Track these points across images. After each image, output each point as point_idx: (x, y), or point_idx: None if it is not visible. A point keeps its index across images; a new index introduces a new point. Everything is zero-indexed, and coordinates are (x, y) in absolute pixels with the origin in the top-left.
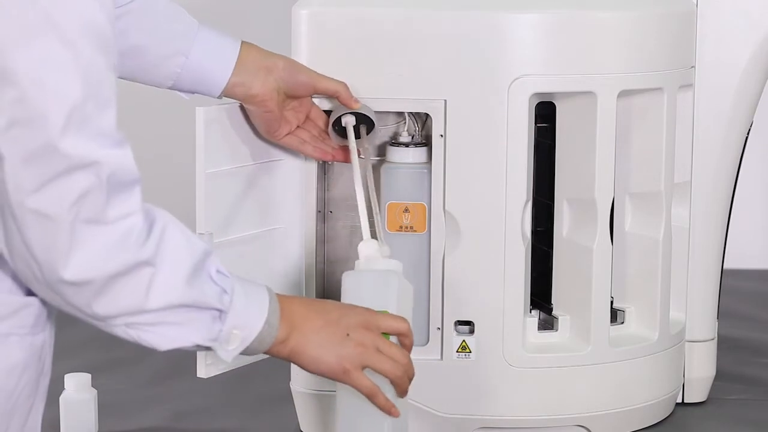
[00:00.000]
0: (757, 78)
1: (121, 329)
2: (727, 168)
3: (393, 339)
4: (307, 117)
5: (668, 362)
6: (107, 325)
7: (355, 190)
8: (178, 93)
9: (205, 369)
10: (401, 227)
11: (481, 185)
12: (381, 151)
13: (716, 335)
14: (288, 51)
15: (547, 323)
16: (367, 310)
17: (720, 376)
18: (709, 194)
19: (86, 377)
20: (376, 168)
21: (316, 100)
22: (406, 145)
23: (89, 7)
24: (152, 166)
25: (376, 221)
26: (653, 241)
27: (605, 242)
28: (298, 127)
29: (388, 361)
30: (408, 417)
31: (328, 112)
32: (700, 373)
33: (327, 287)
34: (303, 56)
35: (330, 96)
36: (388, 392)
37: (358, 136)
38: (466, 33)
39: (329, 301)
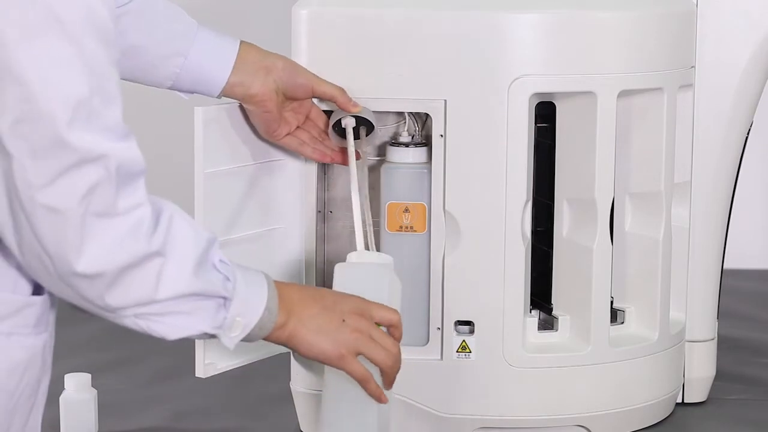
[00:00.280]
0: (757, 78)
1: (130, 320)
2: (727, 168)
3: (383, 330)
4: (307, 117)
5: (668, 362)
6: (117, 317)
7: (350, 189)
8: (178, 93)
9: (203, 369)
10: (401, 227)
11: (481, 185)
12: (381, 151)
13: (716, 335)
14: (288, 51)
15: (547, 323)
16: (361, 298)
17: (720, 376)
18: (709, 194)
19: (86, 377)
20: (376, 168)
21: (315, 101)
22: (406, 145)
23: (92, 3)
24: (152, 165)
25: (367, 230)
26: (653, 241)
27: (605, 242)
28: (297, 127)
29: (382, 349)
30: (392, 409)
31: (328, 113)
32: (700, 373)
33: (327, 287)
34: (303, 56)
35: (327, 100)
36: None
37: (357, 137)
38: (466, 33)
39: (323, 288)
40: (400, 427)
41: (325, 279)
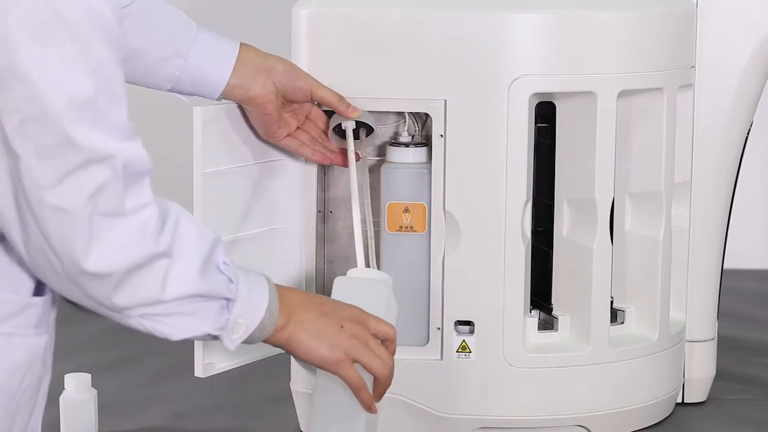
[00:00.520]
0: (757, 78)
1: (135, 320)
2: (727, 168)
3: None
4: (307, 118)
5: (668, 362)
6: (123, 317)
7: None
8: (177, 95)
9: (202, 369)
10: (401, 227)
11: (481, 185)
12: (381, 151)
13: (716, 335)
14: (288, 51)
15: (547, 323)
16: (359, 308)
17: (720, 376)
18: (709, 194)
19: (86, 377)
20: (376, 168)
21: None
22: (406, 145)
23: (97, 4)
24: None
25: (367, 233)
26: (653, 241)
27: (605, 242)
28: (297, 128)
29: (378, 359)
30: (378, 420)
31: (329, 113)
32: (700, 373)
33: (327, 287)
34: (303, 56)
35: (325, 105)
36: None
37: (357, 137)
38: (466, 33)
39: (322, 295)
40: (400, 427)
41: (325, 279)
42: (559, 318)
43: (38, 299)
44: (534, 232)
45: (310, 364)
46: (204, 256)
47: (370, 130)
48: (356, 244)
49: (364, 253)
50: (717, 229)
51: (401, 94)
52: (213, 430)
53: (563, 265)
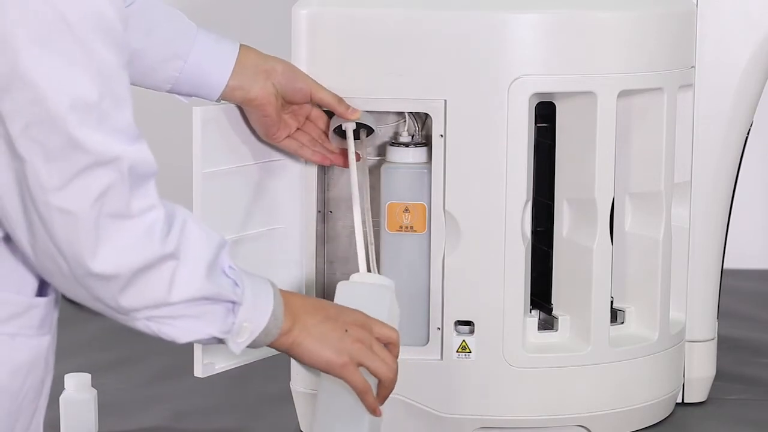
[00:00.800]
0: (757, 78)
1: (141, 323)
2: (727, 168)
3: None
4: (307, 119)
5: (668, 362)
6: (129, 319)
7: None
8: (177, 97)
9: (202, 369)
10: (401, 227)
11: (481, 185)
12: (381, 150)
13: (716, 335)
14: (288, 51)
15: (547, 323)
16: (362, 312)
17: (720, 376)
18: (709, 194)
19: (86, 377)
20: (376, 168)
21: None
22: (406, 145)
23: (101, 7)
24: None
25: (367, 233)
26: (653, 241)
27: (605, 242)
28: (297, 129)
29: (382, 362)
30: (382, 423)
31: (329, 113)
32: (700, 373)
33: (327, 287)
34: (303, 56)
35: (325, 107)
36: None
37: (357, 138)
38: (466, 33)
39: (324, 299)
40: (400, 427)
41: (325, 279)
42: (559, 318)
43: (41, 300)
44: (534, 232)
45: (315, 368)
46: (210, 259)
47: (370, 130)
48: (358, 247)
49: (366, 256)
50: (717, 229)
51: (401, 94)
52: (213, 430)
53: (563, 265)
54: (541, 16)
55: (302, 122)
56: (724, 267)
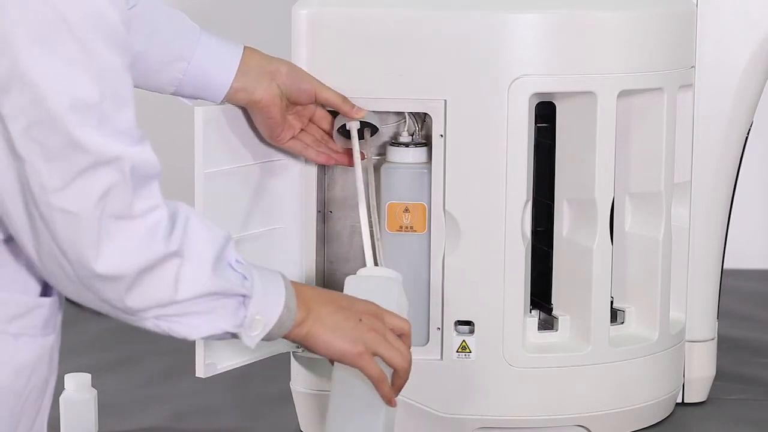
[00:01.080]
0: (757, 78)
1: (151, 322)
2: (727, 168)
3: None
4: (311, 120)
5: (668, 362)
6: (138, 319)
7: (357, 201)
8: (180, 99)
9: (203, 369)
10: (401, 227)
11: (481, 185)
12: (381, 150)
13: (716, 335)
14: (288, 50)
15: (547, 323)
16: (373, 302)
17: (720, 376)
18: (709, 194)
19: (86, 377)
20: (376, 168)
21: None
22: (406, 145)
23: (102, 8)
24: None
25: (374, 235)
26: (653, 241)
27: (605, 242)
28: (301, 130)
29: (397, 351)
30: (396, 415)
31: (333, 113)
32: (700, 373)
33: (327, 287)
34: (303, 56)
35: (330, 107)
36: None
37: (362, 137)
38: (466, 33)
39: (334, 291)
40: (400, 427)
41: (325, 279)
42: (559, 318)
43: (45, 300)
44: (534, 232)
45: (330, 358)
46: (215, 254)
47: (374, 129)
48: (365, 243)
49: (373, 251)
50: (717, 229)
51: (401, 94)
52: (213, 430)
53: (563, 265)
54: (541, 16)
55: (306, 123)
56: (724, 267)
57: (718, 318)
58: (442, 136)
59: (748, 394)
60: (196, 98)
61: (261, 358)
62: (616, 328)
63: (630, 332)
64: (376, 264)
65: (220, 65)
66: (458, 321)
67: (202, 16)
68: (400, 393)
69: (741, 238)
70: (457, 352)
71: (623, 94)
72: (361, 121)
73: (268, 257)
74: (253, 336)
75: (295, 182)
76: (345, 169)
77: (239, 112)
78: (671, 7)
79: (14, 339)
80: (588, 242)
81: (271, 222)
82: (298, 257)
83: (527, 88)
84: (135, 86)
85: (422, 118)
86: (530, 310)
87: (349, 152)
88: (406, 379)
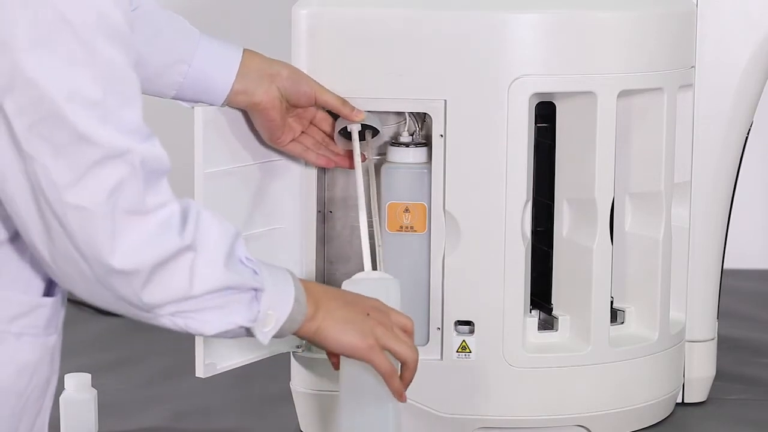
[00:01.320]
0: (757, 78)
1: (167, 319)
2: (727, 168)
3: None
4: (311, 122)
5: (668, 362)
6: (154, 316)
7: (357, 203)
8: (180, 102)
9: (203, 369)
10: (401, 227)
11: (481, 185)
12: (381, 150)
13: (716, 335)
14: (288, 51)
15: (547, 323)
16: (377, 299)
17: (720, 376)
18: (709, 194)
19: (86, 377)
20: (376, 167)
21: None
22: (407, 145)
23: (105, 7)
24: None
25: (376, 234)
26: (653, 241)
27: (605, 242)
28: (302, 132)
29: (405, 345)
30: (402, 409)
31: (334, 115)
32: (700, 373)
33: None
34: (303, 56)
35: (329, 110)
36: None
37: (363, 138)
38: (466, 33)
39: (338, 288)
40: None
41: (325, 279)
42: (559, 318)
43: (48, 299)
44: (534, 232)
45: (340, 353)
46: (227, 249)
47: (375, 131)
48: (363, 246)
49: (372, 255)
50: (717, 229)
51: (401, 94)
52: (213, 430)
53: (563, 265)
54: (541, 16)
55: (306, 126)
56: (724, 267)
57: (718, 318)
58: (442, 136)
59: (748, 394)
60: (196, 102)
61: (261, 358)
62: (616, 328)
63: (630, 332)
64: (374, 268)
65: (220, 68)
66: (458, 321)
67: (202, 17)
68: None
69: (741, 238)
70: (457, 352)
71: (623, 94)
72: (362, 123)
73: (269, 257)
74: (266, 332)
75: (295, 182)
76: (345, 170)
77: (239, 113)
78: (671, 7)
79: (16, 339)
80: (588, 242)
81: (271, 222)
82: (298, 257)
83: (527, 88)
84: None
85: (422, 118)
86: (530, 310)
87: (349, 154)
88: (415, 372)
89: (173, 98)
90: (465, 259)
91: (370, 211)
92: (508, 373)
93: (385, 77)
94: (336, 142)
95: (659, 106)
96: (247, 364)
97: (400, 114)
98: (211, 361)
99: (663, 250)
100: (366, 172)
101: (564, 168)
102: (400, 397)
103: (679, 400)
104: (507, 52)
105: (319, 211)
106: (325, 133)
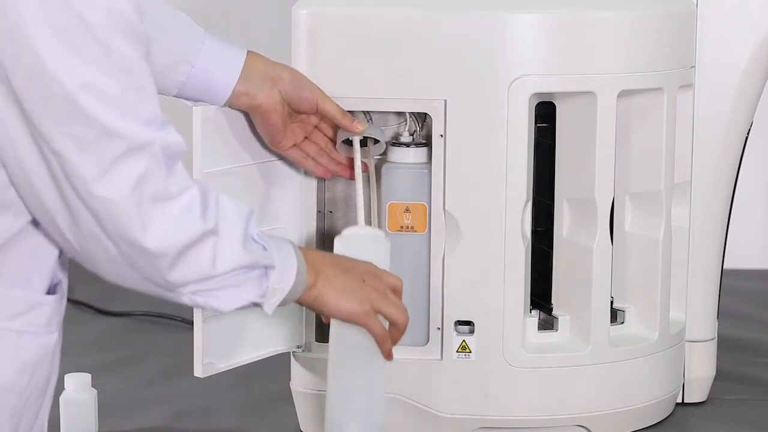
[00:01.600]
0: (757, 78)
1: (188, 297)
2: (727, 168)
3: None
4: (316, 127)
5: (668, 362)
6: (176, 295)
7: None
8: (182, 101)
9: (202, 368)
10: (402, 227)
11: (481, 185)
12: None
13: (716, 335)
14: (288, 50)
15: (547, 323)
16: (371, 263)
17: (720, 376)
18: (709, 194)
19: (86, 377)
20: (377, 168)
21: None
22: (407, 145)
23: (116, 3)
24: None
25: (371, 201)
26: (653, 241)
27: (605, 242)
28: (305, 138)
29: (397, 308)
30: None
31: None
32: (700, 373)
33: None
34: (303, 56)
35: (329, 119)
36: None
37: (364, 144)
38: (466, 33)
39: (335, 254)
40: (400, 427)
41: None
42: (559, 318)
43: (50, 297)
44: (534, 232)
45: (338, 318)
46: (244, 229)
47: (377, 140)
48: (357, 198)
49: (366, 212)
50: (717, 229)
51: (401, 94)
52: (213, 430)
53: (563, 265)
54: (541, 16)
55: (310, 131)
56: (724, 267)
57: (718, 318)
58: (442, 136)
59: (748, 394)
60: (198, 101)
61: (260, 358)
62: (616, 328)
63: (630, 332)
64: (368, 223)
65: (223, 69)
66: (458, 321)
67: (202, 16)
68: (399, 393)
69: (741, 238)
70: (457, 352)
71: (623, 94)
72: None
73: None
74: (272, 303)
75: (295, 182)
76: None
77: (238, 113)
78: (671, 7)
79: (18, 336)
80: (588, 242)
81: (270, 222)
82: None
83: (527, 88)
84: None
85: (423, 119)
86: (530, 310)
87: (350, 163)
88: (403, 333)
89: (175, 96)
90: (465, 259)
91: (370, 222)
92: (508, 373)
93: (385, 77)
94: (338, 149)
95: (659, 106)
96: (246, 364)
97: (400, 114)
98: (209, 361)
99: (663, 250)
100: (366, 181)
101: (564, 168)
102: (389, 356)
103: (679, 400)
104: (507, 52)
105: (319, 211)
106: (329, 138)
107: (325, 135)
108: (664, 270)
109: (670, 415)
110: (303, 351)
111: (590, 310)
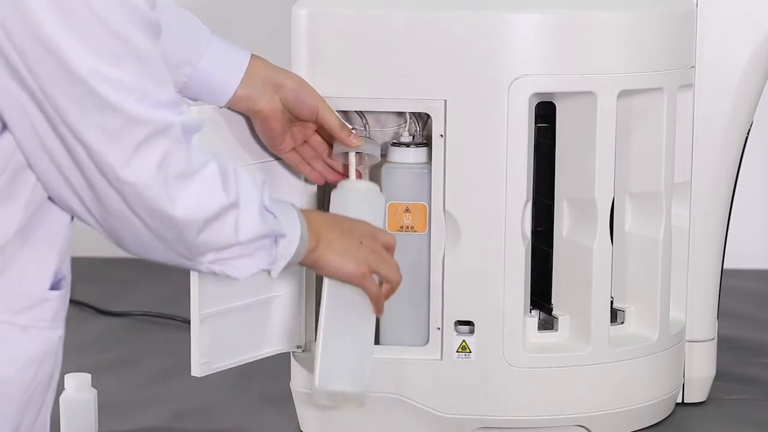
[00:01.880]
0: (757, 78)
1: (205, 266)
2: (727, 168)
3: None
4: (316, 131)
5: (668, 362)
6: (195, 264)
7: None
8: (184, 99)
9: (198, 368)
10: (402, 227)
11: (481, 185)
12: (382, 151)
13: (716, 335)
14: (288, 50)
15: (547, 323)
16: (367, 223)
17: (720, 376)
18: (709, 194)
19: (86, 377)
20: (376, 168)
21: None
22: (407, 145)
23: None
24: None
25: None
26: (653, 241)
27: (605, 242)
28: (304, 142)
29: (391, 268)
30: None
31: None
32: (700, 373)
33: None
34: (303, 56)
35: (327, 129)
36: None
37: (361, 153)
38: (466, 33)
39: (334, 213)
40: (400, 428)
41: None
42: (559, 318)
43: (55, 293)
44: (534, 232)
45: (337, 279)
46: (260, 200)
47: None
48: (350, 161)
49: (357, 169)
50: (717, 229)
51: (402, 94)
52: (213, 430)
53: (563, 265)
54: (541, 16)
55: (310, 135)
56: (724, 267)
57: (718, 318)
58: (442, 136)
59: (748, 394)
60: (198, 101)
61: (260, 358)
62: (616, 328)
63: (630, 332)
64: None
65: (226, 71)
66: (458, 321)
67: (203, 16)
68: (399, 393)
69: (741, 238)
70: (457, 352)
71: (623, 94)
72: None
73: None
74: (278, 268)
75: (294, 182)
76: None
77: (237, 112)
78: (671, 7)
79: (22, 331)
80: (588, 242)
81: None
82: None
83: (527, 88)
84: None
85: (423, 119)
86: (530, 310)
87: (346, 170)
88: (395, 291)
89: None
90: (465, 259)
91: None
92: (508, 373)
93: (385, 77)
94: (334, 157)
95: (659, 106)
96: (246, 364)
97: (400, 115)
98: (206, 360)
99: (663, 250)
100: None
101: (564, 168)
102: (380, 312)
103: (679, 400)
104: (507, 52)
105: (319, 210)
106: (328, 144)
107: (325, 140)
108: (664, 270)
109: (670, 415)
110: (303, 351)
111: (590, 310)
